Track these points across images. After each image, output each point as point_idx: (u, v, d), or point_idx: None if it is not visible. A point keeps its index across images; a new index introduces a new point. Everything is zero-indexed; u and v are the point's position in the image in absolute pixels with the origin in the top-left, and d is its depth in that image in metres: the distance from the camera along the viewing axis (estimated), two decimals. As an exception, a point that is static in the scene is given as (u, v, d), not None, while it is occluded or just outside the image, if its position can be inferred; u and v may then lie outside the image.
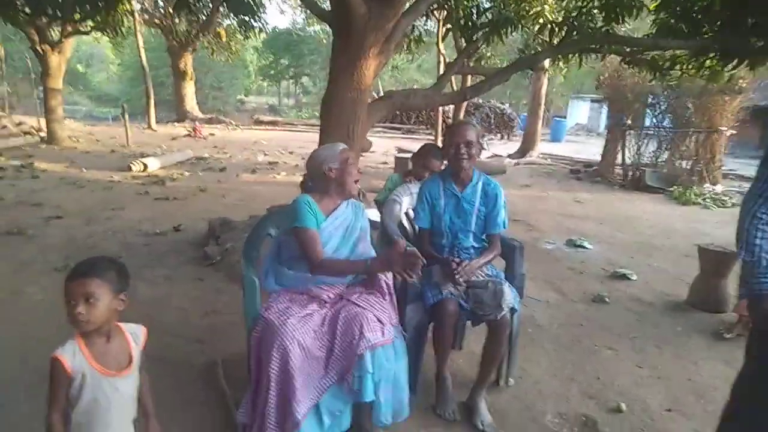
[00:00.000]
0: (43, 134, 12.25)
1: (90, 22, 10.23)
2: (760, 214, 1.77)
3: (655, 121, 11.00)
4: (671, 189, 9.82)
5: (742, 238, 1.80)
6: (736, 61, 4.63)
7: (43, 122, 12.38)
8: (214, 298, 3.79)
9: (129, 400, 1.58)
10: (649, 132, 10.96)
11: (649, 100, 10.79)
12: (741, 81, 9.28)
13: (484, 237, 2.75)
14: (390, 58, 4.93)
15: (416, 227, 2.90)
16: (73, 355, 1.43)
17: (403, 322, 2.53)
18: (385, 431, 2.31)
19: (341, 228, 2.43)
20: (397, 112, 21.92)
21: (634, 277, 4.82)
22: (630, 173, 11.03)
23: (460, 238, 2.70)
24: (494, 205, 2.70)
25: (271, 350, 2.11)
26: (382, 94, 5.85)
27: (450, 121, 14.90)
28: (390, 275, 2.50)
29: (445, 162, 3.01)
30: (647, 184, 10.22)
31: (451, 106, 14.32)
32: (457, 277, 2.47)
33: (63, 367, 1.41)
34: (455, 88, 12.07)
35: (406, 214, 3.01)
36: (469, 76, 10.62)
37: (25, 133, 12.53)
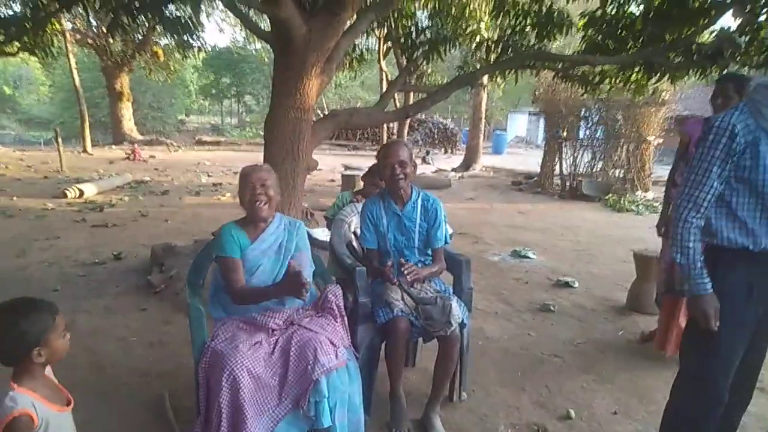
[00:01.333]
0: (-34, 161, 11.58)
1: (16, 43, 9.76)
2: (690, 218, 1.90)
3: (588, 132, 11.51)
4: (606, 197, 10.28)
5: (676, 242, 1.92)
6: (658, 74, 4.93)
7: (-34, 149, 11.71)
8: (159, 328, 3.66)
9: None
10: (583, 143, 11.45)
11: (582, 112, 11.29)
12: (664, 93, 9.86)
13: (429, 252, 2.79)
14: (332, 77, 4.96)
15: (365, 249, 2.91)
16: (32, 405, 1.39)
17: (355, 343, 2.53)
18: (341, 455, 2.28)
19: (271, 250, 2.41)
20: (342, 130, 22.04)
21: (576, 285, 5.00)
22: (568, 183, 11.48)
23: (405, 255, 2.73)
24: (435, 219, 2.75)
25: (220, 380, 2.06)
26: (326, 111, 5.86)
27: (395, 136, 15.09)
28: (340, 296, 2.50)
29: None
30: (584, 193, 10.67)
31: (395, 123, 14.51)
32: (403, 276, 2.48)
33: (31, 419, 1.37)
34: (399, 104, 12.25)
35: (355, 233, 3.03)
36: (412, 93, 10.82)
37: (-53, 160, 11.80)
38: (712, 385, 1.95)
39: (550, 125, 12.06)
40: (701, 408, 1.99)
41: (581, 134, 11.67)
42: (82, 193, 8.69)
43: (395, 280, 2.52)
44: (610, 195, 10.31)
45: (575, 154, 11.51)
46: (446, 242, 2.86)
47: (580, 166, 11.51)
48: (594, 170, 11.42)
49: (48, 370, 1.57)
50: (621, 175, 11.03)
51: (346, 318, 2.48)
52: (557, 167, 11.92)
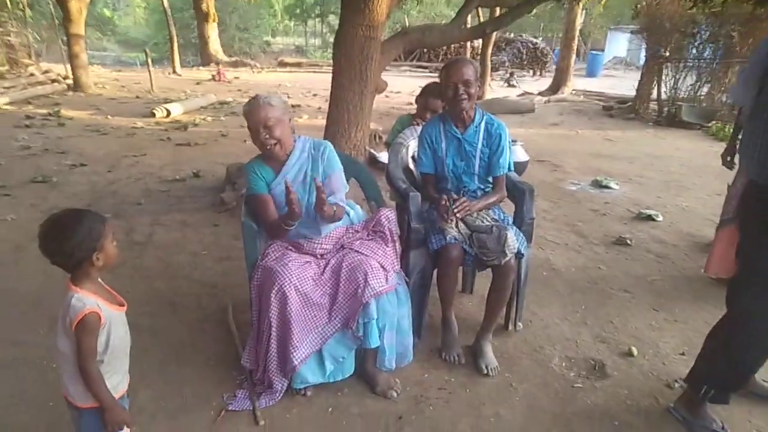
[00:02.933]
0: (69, 82, 12.32)
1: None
2: None
3: (695, 51, 10.34)
4: (709, 125, 9.34)
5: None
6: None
7: (69, 69, 12.43)
8: (229, 243, 3.82)
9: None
10: (688, 64, 10.33)
11: (690, 29, 10.09)
12: (793, 5, 8.57)
13: (490, 180, 2.65)
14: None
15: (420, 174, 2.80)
16: (97, 305, 1.48)
17: (407, 268, 2.51)
18: (389, 375, 2.33)
19: (297, 181, 2.35)
20: (424, 50, 21.28)
21: (660, 218, 4.65)
22: (666, 109, 10.52)
23: (464, 181, 2.60)
24: (498, 145, 2.58)
25: (270, 296, 2.12)
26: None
27: (479, 57, 14.34)
28: (393, 220, 2.46)
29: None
30: (683, 120, 9.74)
31: (479, 42, 13.75)
32: (452, 212, 2.37)
33: (99, 317, 1.47)
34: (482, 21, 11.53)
35: (413, 157, 2.92)
36: (497, 10, 10.11)
37: (52, 80, 12.61)
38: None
39: (651, 44, 10.92)
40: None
41: (687, 54, 10.51)
42: (169, 113, 9.06)
43: (450, 218, 2.40)
44: (714, 122, 9.35)
45: (677, 76, 10.43)
46: (509, 170, 2.69)
47: (681, 90, 10.46)
48: (698, 94, 10.34)
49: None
50: (729, 101, 9.91)
51: (398, 242, 2.45)
52: (655, 91, 10.91)
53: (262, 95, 2.31)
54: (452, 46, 18.44)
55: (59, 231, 1.45)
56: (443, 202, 2.40)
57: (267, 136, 2.24)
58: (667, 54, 10.44)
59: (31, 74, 12.69)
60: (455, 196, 2.46)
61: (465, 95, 2.48)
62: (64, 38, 12.56)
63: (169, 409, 2.13)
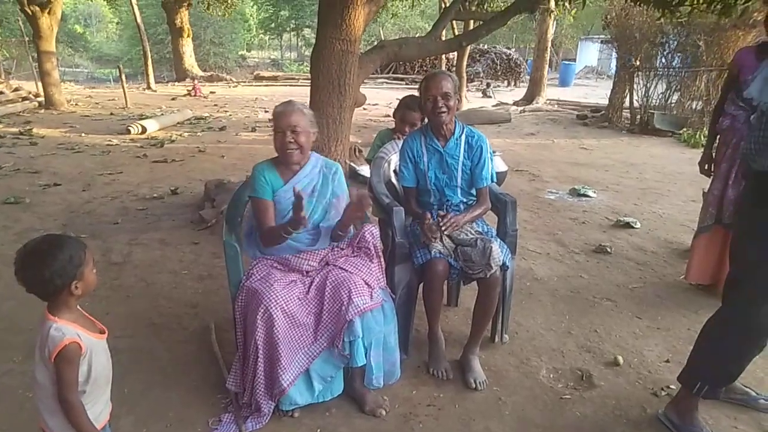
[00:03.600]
0: (41, 99, 12.10)
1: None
2: None
3: (664, 61, 10.59)
4: (680, 132, 9.56)
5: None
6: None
7: (41, 87, 12.20)
8: (209, 262, 3.77)
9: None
10: (658, 72, 10.57)
11: (658, 38, 10.34)
12: (755, 14, 8.83)
13: (472, 192, 2.66)
14: (381, 5, 4.71)
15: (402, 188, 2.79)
16: (77, 335, 1.44)
17: (392, 284, 2.49)
18: (377, 393, 2.30)
19: (305, 192, 2.31)
20: (400, 63, 21.40)
21: (638, 226, 4.72)
22: (638, 117, 10.73)
23: (447, 194, 2.60)
24: (480, 157, 2.59)
25: (256, 318, 2.08)
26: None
27: (455, 69, 14.50)
28: (377, 236, 2.44)
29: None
30: (656, 128, 9.95)
31: (455, 54, 13.90)
32: (440, 229, 2.37)
33: (79, 347, 1.43)
34: (457, 34, 11.67)
35: (395, 171, 2.92)
36: (472, 22, 10.24)
37: (23, 98, 12.36)
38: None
39: (621, 53, 11.15)
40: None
41: (656, 63, 10.75)
42: (144, 129, 8.94)
43: (434, 236, 2.40)
44: (685, 129, 9.56)
45: (648, 85, 10.66)
46: (492, 181, 2.70)
47: (652, 98, 10.68)
48: (668, 102, 10.57)
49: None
50: (699, 108, 10.16)
51: (382, 258, 2.43)
52: (627, 99, 11.13)
53: (297, 101, 2.32)
54: (428, 58, 18.59)
55: (37, 259, 1.40)
56: (427, 221, 2.40)
57: (291, 140, 2.22)
58: (638, 63, 10.67)
59: (1, 92, 12.42)
60: (441, 213, 2.45)
61: (444, 108, 2.48)
62: (35, 55, 12.34)
63: (152, 436, 2.07)
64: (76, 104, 12.64)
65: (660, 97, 10.63)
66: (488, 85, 18.47)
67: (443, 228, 2.36)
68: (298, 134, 2.22)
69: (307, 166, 2.36)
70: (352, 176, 4.79)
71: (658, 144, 9.25)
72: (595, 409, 2.30)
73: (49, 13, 11.17)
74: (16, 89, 13.19)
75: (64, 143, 7.99)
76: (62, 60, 22.98)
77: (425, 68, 21.76)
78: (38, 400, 1.49)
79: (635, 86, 10.87)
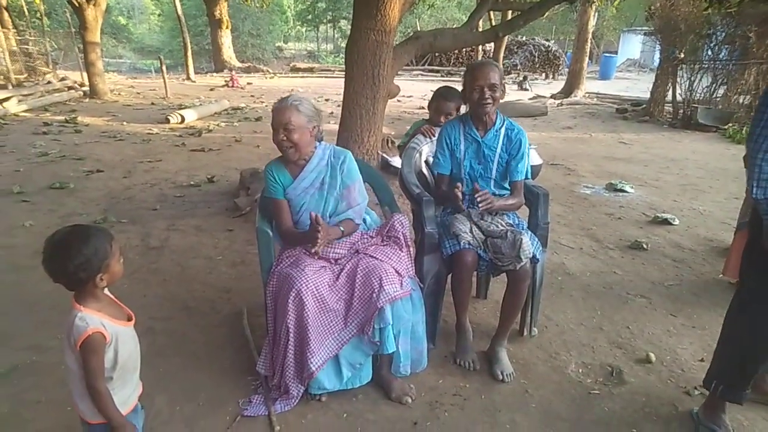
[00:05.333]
0: (86, 89, 12.50)
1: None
2: None
3: (710, 53, 10.22)
4: (725, 127, 9.23)
5: (753, 174, 1.73)
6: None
7: (86, 77, 12.60)
8: (243, 248, 3.84)
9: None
10: (703, 65, 10.21)
11: (705, 30, 9.98)
12: (811, 4, 8.43)
13: (505, 185, 2.63)
14: (417, -4, 4.69)
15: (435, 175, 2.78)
16: (101, 324, 1.45)
17: (421, 274, 2.50)
18: (404, 381, 2.32)
19: (313, 187, 2.35)
20: (436, 54, 21.26)
21: (676, 222, 4.60)
22: (681, 111, 10.41)
23: (480, 185, 2.59)
24: (518, 151, 2.56)
25: (286, 302, 2.12)
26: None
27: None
28: (406, 225, 2.45)
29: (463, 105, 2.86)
30: (699, 122, 9.64)
31: (491, 45, 13.73)
32: (477, 204, 2.33)
33: (103, 336, 1.44)
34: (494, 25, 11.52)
35: (427, 162, 2.92)
36: (509, 13, 10.09)
37: (69, 88, 12.81)
38: None
39: (665, 46, 10.82)
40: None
41: (702, 55, 10.39)
42: (183, 118, 9.15)
43: (465, 207, 2.39)
44: (730, 125, 9.23)
45: (692, 78, 10.31)
46: (527, 177, 2.67)
47: (696, 92, 10.34)
48: (713, 96, 10.22)
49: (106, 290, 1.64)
50: (746, 102, 9.78)
51: (411, 248, 2.44)
52: (670, 93, 10.80)
53: (294, 97, 2.29)
54: (464, 50, 18.41)
55: (63, 252, 1.41)
56: (460, 187, 2.38)
57: (284, 138, 2.23)
58: (682, 56, 10.34)
59: (48, 82, 12.89)
60: (478, 186, 2.40)
61: (490, 99, 2.46)
62: (81, 46, 12.75)
63: (185, 414, 2.14)
64: (118, 94, 13.01)
65: (704, 91, 10.28)
66: (525, 78, 18.16)
67: (478, 201, 2.31)
68: (290, 132, 2.22)
69: (314, 160, 2.36)
70: (384, 167, 4.81)
71: (701, 139, 8.96)
72: (624, 405, 2.27)
73: (94, 5, 11.50)
74: (63, 79, 13.67)
75: (106, 131, 8.25)
76: (106, 51, 23.66)
77: (461, 60, 21.59)
78: (70, 383, 1.52)
79: (679, 80, 10.55)
